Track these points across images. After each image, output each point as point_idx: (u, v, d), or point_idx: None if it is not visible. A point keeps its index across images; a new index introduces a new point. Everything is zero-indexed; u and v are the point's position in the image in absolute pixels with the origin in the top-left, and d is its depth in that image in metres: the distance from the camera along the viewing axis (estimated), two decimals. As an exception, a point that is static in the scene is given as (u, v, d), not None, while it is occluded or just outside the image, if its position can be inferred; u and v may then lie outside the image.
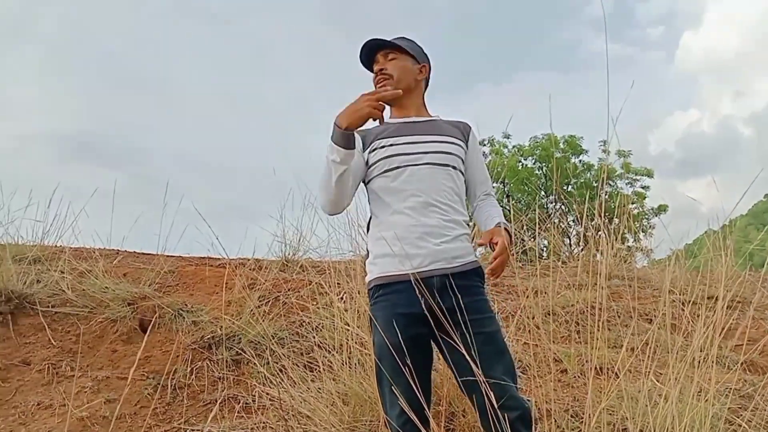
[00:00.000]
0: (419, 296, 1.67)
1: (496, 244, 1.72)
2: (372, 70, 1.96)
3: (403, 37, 1.99)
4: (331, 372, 2.62)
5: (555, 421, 2.53)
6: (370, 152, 1.87)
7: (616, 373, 3.10)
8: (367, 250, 1.91)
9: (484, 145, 13.03)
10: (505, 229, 1.83)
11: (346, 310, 3.02)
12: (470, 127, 2.01)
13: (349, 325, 2.77)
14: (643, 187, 12.71)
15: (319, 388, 2.57)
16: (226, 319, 3.08)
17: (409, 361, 1.63)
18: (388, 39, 1.94)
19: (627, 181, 12.81)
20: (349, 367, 2.56)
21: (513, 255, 1.76)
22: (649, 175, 12.74)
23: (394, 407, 1.71)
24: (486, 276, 1.84)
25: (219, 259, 4.08)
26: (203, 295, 3.57)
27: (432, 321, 1.67)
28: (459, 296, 1.66)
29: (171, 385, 2.76)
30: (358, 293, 3.28)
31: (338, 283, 3.40)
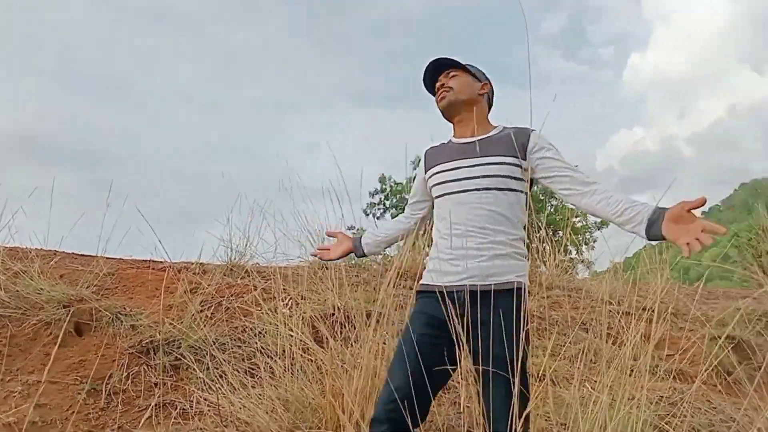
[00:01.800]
0: (444, 305, 1.75)
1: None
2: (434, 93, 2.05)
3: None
4: (273, 378, 2.60)
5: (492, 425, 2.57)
6: (429, 177, 2.00)
7: (553, 381, 3.19)
8: None
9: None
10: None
11: (291, 316, 3.01)
12: (529, 133, 1.92)
13: (293, 331, 2.76)
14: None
15: (260, 394, 2.54)
16: (166, 324, 3.01)
17: (420, 358, 1.70)
18: (448, 62, 2.02)
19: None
20: (292, 373, 2.55)
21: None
22: (594, 190, 13.13)
23: (382, 392, 1.77)
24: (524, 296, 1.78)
25: (161, 262, 3.99)
26: (143, 299, 3.47)
27: (456, 330, 1.72)
28: (485, 310, 1.74)
29: (105, 390, 2.67)
30: (303, 299, 3.27)
31: (284, 289, 3.38)
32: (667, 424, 2.85)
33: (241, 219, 4.15)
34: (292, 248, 4.10)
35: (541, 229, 6.29)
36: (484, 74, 2.07)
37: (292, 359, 2.56)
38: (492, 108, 2.10)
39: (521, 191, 1.90)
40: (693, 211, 1.56)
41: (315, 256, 2.46)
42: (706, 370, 2.65)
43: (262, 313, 3.04)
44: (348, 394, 2.14)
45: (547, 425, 2.66)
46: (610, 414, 2.29)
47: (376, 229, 2.38)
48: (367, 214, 13.13)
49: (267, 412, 2.39)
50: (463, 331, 1.73)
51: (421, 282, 1.96)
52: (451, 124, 2.05)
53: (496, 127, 2.01)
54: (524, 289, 1.78)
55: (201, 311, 3.24)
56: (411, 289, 4.29)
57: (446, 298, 1.76)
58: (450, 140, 2.04)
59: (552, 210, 11.01)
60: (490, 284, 1.77)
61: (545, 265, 5.75)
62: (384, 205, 13.43)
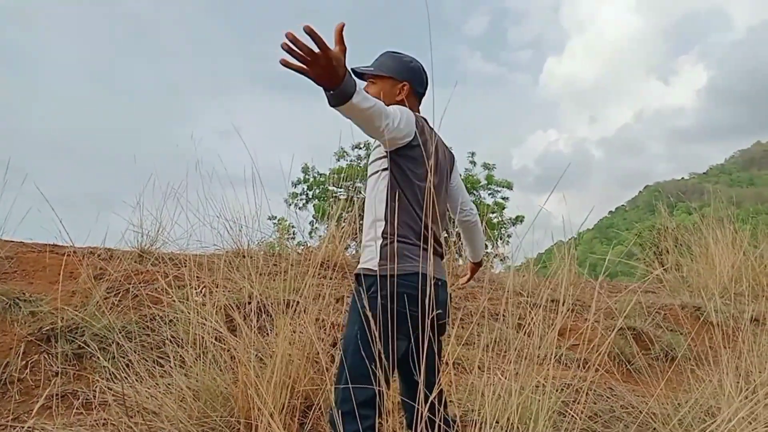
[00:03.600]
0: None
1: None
2: None
3: (388, 53, 1.99)
4: (183, 367, 2.52)
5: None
6: None
7: (466, 369, 3.27)
8: None
9: (360, 148, 13.18)
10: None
11: (204, 305, 2.91)
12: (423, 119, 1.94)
13: (206, 320, 2.67)
14: (503, 198, 13.55)
15: (169, 384, 2.45)
16: (68, 311, 2.85)
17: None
18: (368, 63, 1.96)
19: (489, 191, 13.60)
20: (203, 362, 2.47)
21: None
22: (509, 187, 13.63)
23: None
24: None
25: (65, 246, 3.76)
26: (44, 284, 3.27)
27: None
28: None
29: (1, 380, 2.50)
30: (218, 287, 3.18)
31: (198, 277, 3.28)
32: (571, 410, 2.99)
33: (153, 204, 3.97)
34: (208, 235, 3.94)
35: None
36: (405, 67, 1.97)
37: (204, 348, 2.48)
38: (422, 97, 2.03)
39: (378, 171, 1.86)
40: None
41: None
42: (601, 357, 2.77)
43: (173, 300, 2.93)
44: (261, 383, 2.10)
45: (459, 411, 2.72)
46: (517, 401, 2.36)
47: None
48: (289, 205, 12.94)
49: (176, 402, 2.31)
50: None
51: None
52: None
53: None
54: (363, 275, 1.79)
55: (107, 298, 3.09)
56: (331, 279, 4.28)
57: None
58: None
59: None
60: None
61: (462, 258, 5.89)
62: (307, 195, 13.29)
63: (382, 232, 1.79)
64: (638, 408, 3.11)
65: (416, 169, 1.82)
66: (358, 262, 1.85)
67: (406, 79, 1.96)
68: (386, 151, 1.80)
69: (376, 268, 1.74)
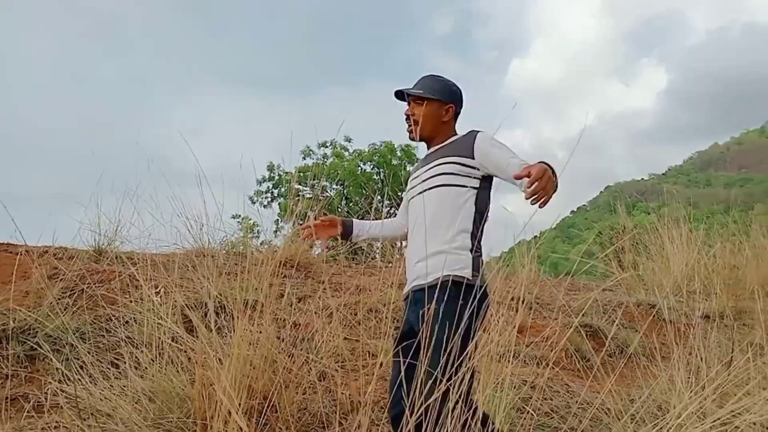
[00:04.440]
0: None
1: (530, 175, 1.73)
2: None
3: (431, 76, 2.16)
4: (139, 368, 2.48)
5: (366, 412, 2.61)
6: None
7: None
8: None
9: (327, 147, 13.13)
10: (544, 162, 1.80)
11: (162, 305, 2.87)
12: (476, 133, 2.08)
13: (163, 320, 2.63)
14: (469, 197, 13.63)
15: (124, 386, 2.41)
16: (21, 311, 2.78)
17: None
18: (414, 87, 2.13)
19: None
20: (159, 363, 2.44)
21: (557, 180, 1.78)
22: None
23: None
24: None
25: (17, 245, 3.66)
26: (-5, 285, 3.18)
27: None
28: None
29: (-54, 384, 2.43)
30: (176, 287, 3.13)
31: (156, 276, 3.23)
32: (529, 406, 3.04)
33: (111, 202, 3.88)
34: (168, 234, 3.87)
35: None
36: (450, 90, 2.15)
37: (160, 349, 2.45)
38: (459, 116, 2.21)
39: (465, 186, 2.01)
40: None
41: (301, 236, 2.35)
42: (558, 354, 2.84)
43: (130, 301, 2.88)
44: (218, 384, 2.08)
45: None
46: (478, 398, 2.40)
47: (375, 222, 2.43)
48: (254, 203, 12.83)
49: (131, 404, 2.28)
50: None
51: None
52: None
53: (456, 135, 2.16)
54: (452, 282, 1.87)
55: (61, 298, 3.02)
56: (293, 278, 4.26)
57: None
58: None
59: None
60: (430, 281, 1.89)
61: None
62: (272, 194, 13.19)
63: (472, 245, 1.98)
64: (593, 404, 3.18)
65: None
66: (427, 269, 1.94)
67: (452, 102, 2.14)
68: (481, 175, 2.03)
69: (471, 278, 1.91)
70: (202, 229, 3.92)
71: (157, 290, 2.91)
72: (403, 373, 1.89)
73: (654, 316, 4.49)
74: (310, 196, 8.16)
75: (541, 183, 1.68)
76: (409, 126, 2.15)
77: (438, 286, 1.81)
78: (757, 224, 5.70)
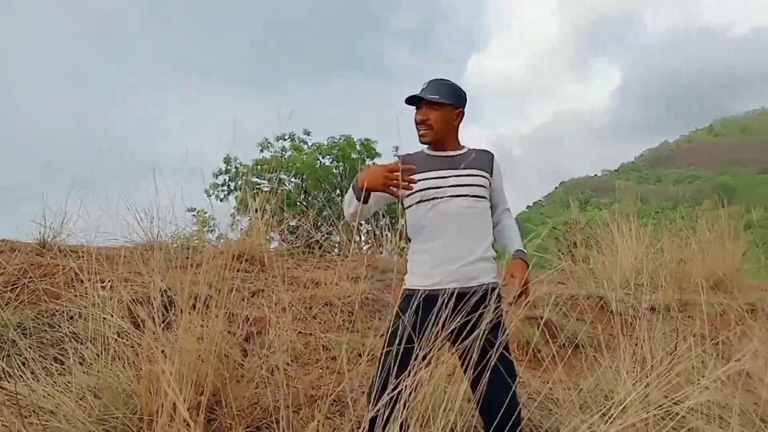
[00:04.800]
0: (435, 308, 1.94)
1: (513, 277, 2.12)
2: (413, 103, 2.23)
3: (440, 81, 2.23)
4: (83, 364, 2.41)
5: (318, 406, 2.60)
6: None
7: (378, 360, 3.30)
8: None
9: (285, 139, 13.01)
10: (522, 258, 2.18)
11: (110, 299, 2.80)
12: (493, 155, 2.31)
13: (109, 315, 2.57)
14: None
15: (68, 382, 2.34)
16: (-43, 307, 2.66)
17: None
18: (425, 91, 2.19)
19: (414, 185, 13.70)
20: (105, 358, 2.37)
21: (530, 282, 2.17)
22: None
23: None
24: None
25: (-43, 238, 3.51)
26: (-69, 279, 3.04)
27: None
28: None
29: None
30: (125, 281, 3.06)
31: (104, 270, 3.14)
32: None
33: (58, 194, 3.75)
34: (118, 227, 3.77)
35: (384, 216, 6.50)
36: (460, 94, 2.25)
37: (106, 345, 2.38)
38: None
39: (488, 200, 2.24)
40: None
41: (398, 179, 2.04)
42: (511, 346, 2.87)
43: (75, 295, 2.80)
44: (165, 379, 2.04)
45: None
46: (428, 389, 2.41)
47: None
48: (210, 195, 12.59)
49: (74, 401, 2.21)
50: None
51: (409, 284, 2.17)
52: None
53: (463, 145, 2.30)
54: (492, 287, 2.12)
55: (2, 293, 2.91)
56: (247, 272, 4.21)
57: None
58: (423, 152, 2.28)
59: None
60: (473, 285, 2.06)
61: (384, 250, 5.94)
62: (228, 187, 12.97)
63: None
64: (544, 394, 3.25)
65: None
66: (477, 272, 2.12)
67: (461, 106, 2.25)
68: (491, 182, 2.26)
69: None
70: (153, 221, 3.83)
71: (104, 284, 2.83)
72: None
73: (603, 308, 4.60)
74: (268, 189, 8.08)
75: (526, 292, 2.09)
76: (423, 130, 2.22)
77: (489, 291, 2.07)
78: (704, 220, 5.88)
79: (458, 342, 1.95)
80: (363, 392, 2.88)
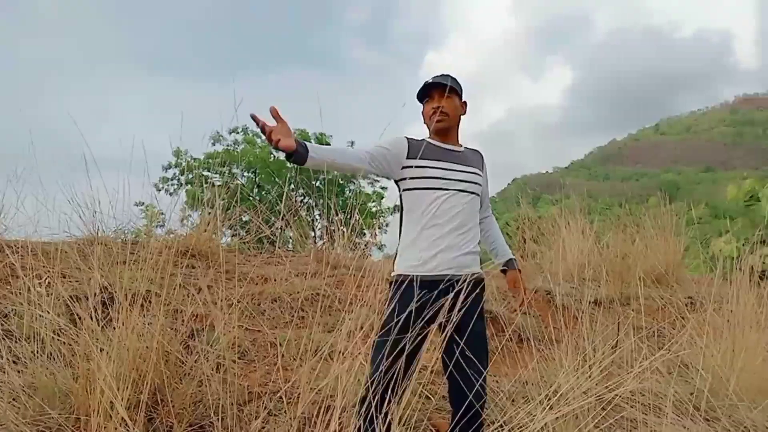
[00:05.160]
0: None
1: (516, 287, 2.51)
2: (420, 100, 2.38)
3: (448, 75, 2.36)
4: (18, 363, 2.32)
5: (263, 402, 2.58)
6: (413, 166, 2.25)
7: (330, 356, 3.29)
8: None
9: (237, 133, 12.82)
10: (518, 269, 2.54)
11: (48, 295, 2.70)
12: (482, 156, 2.49)
13: (47, 312, 2.48)
14: (382, 188, 13.76)
15: (1, 381, 2.25)
16: None
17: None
18: (448, 83, 2.29)
19: (369, 180, 13.74)
20: (40, 357, 2.30)
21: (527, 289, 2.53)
22: (389, 177, 13.80)
23: None
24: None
25: None
26: None
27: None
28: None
29: None
30: (64, 277, 2.96)
31: (40, 266, 3.03)
32: (428, 391, 3.12)
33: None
34: (59, 222, 3.63)
35: (338, 213, 6.47)
36: (462, 89, 2.39)
37: (42, 342, 2.31)
38: None
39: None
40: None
41: (258, 126, 1.96)
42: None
43: (10, 292, 2.69)
44: (102, 377, 1.99)
45: (317, 397, 2.74)
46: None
47: (330, 147, 2.22)
48: (159, 190, 12.30)
49: (7, 401, 2.13)
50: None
51: (402, 270, 2.24)
52: (427, 128, 2.40)
53: (461, 143, 2.42)
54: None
55: (-70, 290, 2.77)
56: (193, 268, 4.13)
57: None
58: (426, 140, 2.33)
59: (349, 194, 11.39)
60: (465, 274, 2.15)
61: (335, 245, 5.92)
62: (179, 180, 12.68)
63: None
64: (491, 388, 3.30)
65: None
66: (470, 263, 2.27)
67: (465, 100, 2.42)
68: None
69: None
70: (95, 216, 3.71)
71: (41, 280, 2.73)
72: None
73: (550, 302, 4.71)
74: (219, 183, 7.95)
75: (527, 298, 2.45)
76: (441, 116, 2.31)
77: (476, 283, 2.19)
78: (649, 216, 6.07)
79: (445, 329, 2.02)
80: (312, 389, 2.87)
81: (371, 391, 2.02)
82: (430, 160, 2.27)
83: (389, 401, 1.84)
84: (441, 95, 2.32)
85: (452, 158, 2.32)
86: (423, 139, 2.35)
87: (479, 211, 2.42)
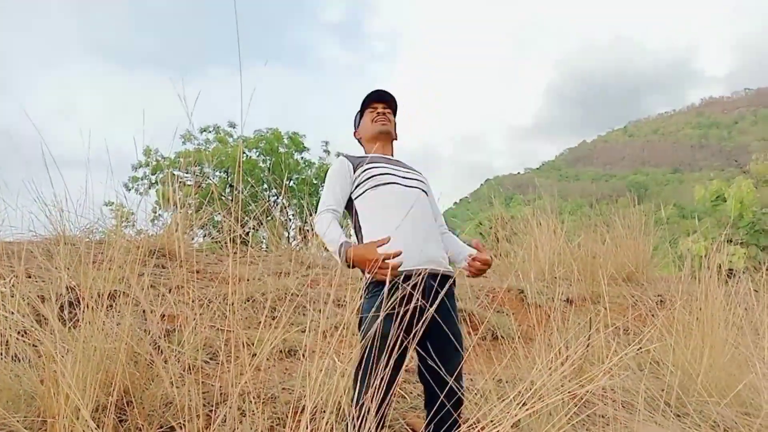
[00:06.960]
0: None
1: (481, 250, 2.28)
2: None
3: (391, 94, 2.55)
4: (-21, 366, 2.25)
5: (236, 403, 2.54)
6: (362, 171, 2.30)
7: (303, 355, 3.27)
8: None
9: (209, 131, 12.67)
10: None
11: (13, 296, 2.63)
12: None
13: (13, 313, 2.41)
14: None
15: (-38, 385, 2.18)
16: None
17: None
18: (394, 98, 2.54)
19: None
20: (4, 359, 2.23)
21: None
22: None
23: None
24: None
25: None
26: None
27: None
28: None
29: None
30: (30, 277, 2.89)
31: (5, 265, 2.96)
32: (402, 390, 3.12)
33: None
34: (23, 221, 3.55)
35: (311, 213, 6.44)
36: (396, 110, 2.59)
37: (7, 344, 2.24)
38: None
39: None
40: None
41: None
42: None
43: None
44: (69, 379, 1.94)
45: (290, 398, 2.72)
46: (346, 383, 2.42)
47: (337, 228, 2.17)
48: (129, 189, 12.11)
49: (-32, 406, 2.06)
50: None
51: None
52: (361, 145, 2.60)
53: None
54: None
55: None
56: (164, 268, 4.07)
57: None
58: (366, 155, 2.45)
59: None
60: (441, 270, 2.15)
61: (309, 245, 5.89)
62: (149, 180, 12.49)
63: None
64: (465, 386, 3.31)
65: None
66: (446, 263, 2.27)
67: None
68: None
69: None
70: (63, 215, 3.63)
71: (5, 280, 2.66)
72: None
73: (523, 300, 4.75)
74: (191, 183, 7.85)
75: (484, 270, 2.25)
76: (385, 119, 2.48)
77: (450, 279, 2.15)
78: (619, 216, 6.18)
79: (418, 326, 1.93)
80: (285, 388, 2.85)
81: (359, 389, 1.96)
82: (375, 163, 2.34)
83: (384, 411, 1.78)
84: (387, 105, 2.53)
85: (394, 163, 2.40)
86: (363, 156, 2.46)
87: (436, 221, 2.41)
